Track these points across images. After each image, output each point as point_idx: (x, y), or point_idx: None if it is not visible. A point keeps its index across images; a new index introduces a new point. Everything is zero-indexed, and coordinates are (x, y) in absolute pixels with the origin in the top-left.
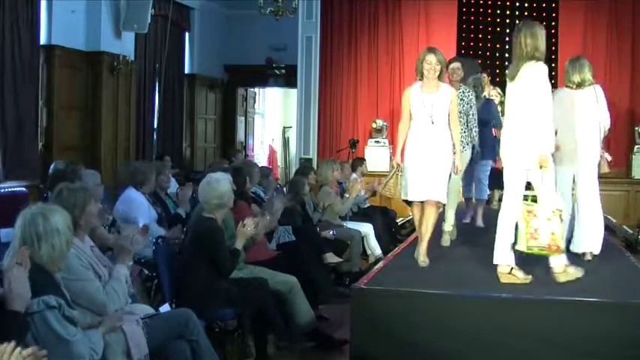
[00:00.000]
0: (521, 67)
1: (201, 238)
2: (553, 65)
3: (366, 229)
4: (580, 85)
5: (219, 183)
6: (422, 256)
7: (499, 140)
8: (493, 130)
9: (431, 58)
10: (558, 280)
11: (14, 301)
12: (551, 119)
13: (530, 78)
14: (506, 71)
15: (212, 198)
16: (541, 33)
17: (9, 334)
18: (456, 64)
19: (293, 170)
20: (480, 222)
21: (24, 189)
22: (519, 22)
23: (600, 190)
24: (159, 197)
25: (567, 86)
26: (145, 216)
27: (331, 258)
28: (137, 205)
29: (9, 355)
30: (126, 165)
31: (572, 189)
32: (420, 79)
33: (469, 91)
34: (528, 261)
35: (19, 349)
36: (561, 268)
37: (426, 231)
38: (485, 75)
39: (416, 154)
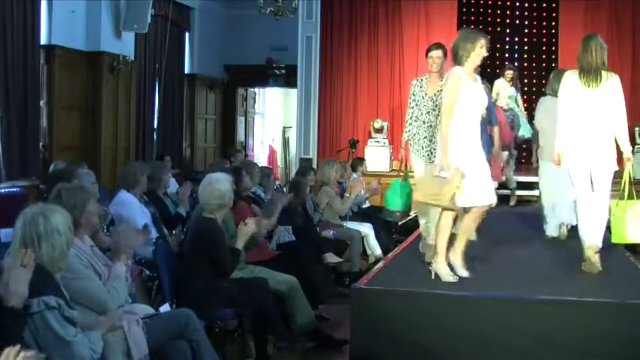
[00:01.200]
0: (603, 77)
1: (202, 239)
2: (553, 65)
3: (366, 229)
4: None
5: (220, 183)
6: (461, 267)
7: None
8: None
9: (485, 42)
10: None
11: (11, 297)
12: None
13: (615, 89)
14: (577, 77)
15: (212, 198)
16: (606, 46)
17: (7, 331)
18: (438, 52)
19: (293, 170)
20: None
21: (24, 189)
22: (588, 34)
23: None
24: (157, 197)
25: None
26: (139, 217)
27: (331, 258)
28: (128, 207)
29: (13, 358)
30: (124, 167)
31: None
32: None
33: None
34: (534, 259)
35: (22, 353)
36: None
37: (464, 238)
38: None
39: (476, 153)
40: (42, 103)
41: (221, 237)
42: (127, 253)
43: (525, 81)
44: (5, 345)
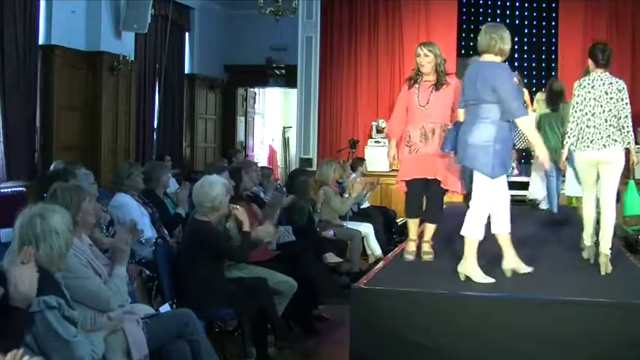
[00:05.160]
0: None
1: (201, 241)
2: (553, 65)
3: (366, 229)
4: None
5: (212, 187)
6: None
7: None
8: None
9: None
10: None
11: (19, 298)
12: None
13: None
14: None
15: (205, 201)
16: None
17: (10, 331)
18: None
19: None
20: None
21: (24, 189)
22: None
23: None
24: (156, 197)
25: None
26: (138, 218)
27: (331, 258)
28: (126, 208)
29: None
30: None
31: None
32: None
33: None
34: (534, 258)
35: (27, 357)
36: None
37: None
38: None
39: None
40: (42, 103)
41: (219, 233)
42: (125, 255)
43: (525, 81)
44: (6, 345)
